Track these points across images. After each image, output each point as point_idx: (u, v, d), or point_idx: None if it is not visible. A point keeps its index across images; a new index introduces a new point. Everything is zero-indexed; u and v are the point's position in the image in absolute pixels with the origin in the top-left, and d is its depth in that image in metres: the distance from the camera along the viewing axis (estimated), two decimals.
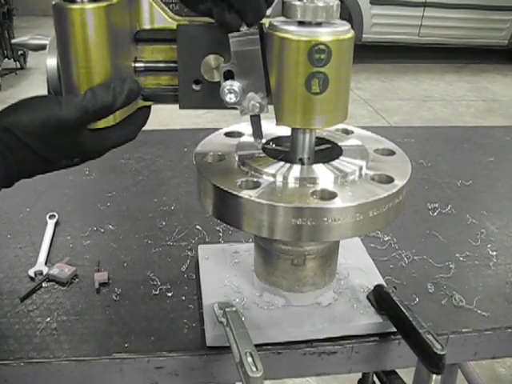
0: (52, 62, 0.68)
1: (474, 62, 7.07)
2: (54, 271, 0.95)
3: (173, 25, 0.72)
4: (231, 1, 0.66)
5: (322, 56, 0.69)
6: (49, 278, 0.95)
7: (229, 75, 0.71)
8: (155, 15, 0.72)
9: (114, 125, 0.68)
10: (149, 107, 0.75)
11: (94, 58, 0.65)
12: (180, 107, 0.76)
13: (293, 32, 0.69)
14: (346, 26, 0.71)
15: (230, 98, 0.71)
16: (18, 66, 5.98)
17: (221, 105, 0.72)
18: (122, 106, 0.66)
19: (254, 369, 0.68)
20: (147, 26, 0.72)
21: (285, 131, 0.83)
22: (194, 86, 0.74)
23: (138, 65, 0.73)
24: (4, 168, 0.64)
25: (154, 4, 0.72)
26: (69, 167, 0.71)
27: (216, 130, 0.93)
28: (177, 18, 0.73)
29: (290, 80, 0.71)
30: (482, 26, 6.58)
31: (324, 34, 0.69)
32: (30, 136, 0.63)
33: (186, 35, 0.71)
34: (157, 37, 0.73)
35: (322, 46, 0.68)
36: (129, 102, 0.67)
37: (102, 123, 0.67)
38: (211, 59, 0.72)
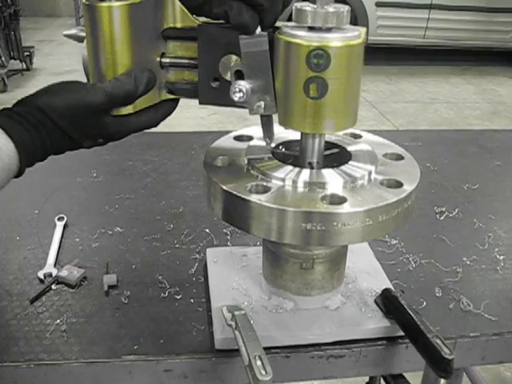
0: (86, 52, 0.75)
1: (479, 65, 7.05)
2: (63, 273, 0.96)
3: (196, 24, 0.75)
4: (252, 1, 0.67)
5: (321, 61, 0.68)
6: (58, 280, 0.96)
7: (239, 75, 0.72)
8: (180, 15, 0.75)
9: (135, 112, 0.74)
10: (175, 101, 0.79)
11: (118, 50, 0.71)
12: (199, 102, 0.78)
13: (294, 36, 0.69)
14: (356, 31, 0.71)
15: (238, 97, 0.72)
16: (24, 66, 5.99)
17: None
18: (142, 93, 0.72)
19: (264, 372, 0.68)
20: (173, 25, 0.76)
21: (295, 135, 0.83)
22: (213, 84, 0.76)
23: (164, 60, 0.77)
24: (40, 141, 0.69)
25: (179, 4, 0.74)
26: (94, 147, 0.75)
27: (222, 132, 0.93)
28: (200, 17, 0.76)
29: (290, 84, 0.72)
30: (488, 28, 6.56)
31: (325, 40, 0.68)
32: (59, 116, 0.69)
33: (206, 34, 0.74)
34: (183, 35, 0.76)
35: (320, 51, 0.68)
36: (147, 90, 0.73)
37: (123, 110, 0.73)
38: (229, 59, 0.74)
